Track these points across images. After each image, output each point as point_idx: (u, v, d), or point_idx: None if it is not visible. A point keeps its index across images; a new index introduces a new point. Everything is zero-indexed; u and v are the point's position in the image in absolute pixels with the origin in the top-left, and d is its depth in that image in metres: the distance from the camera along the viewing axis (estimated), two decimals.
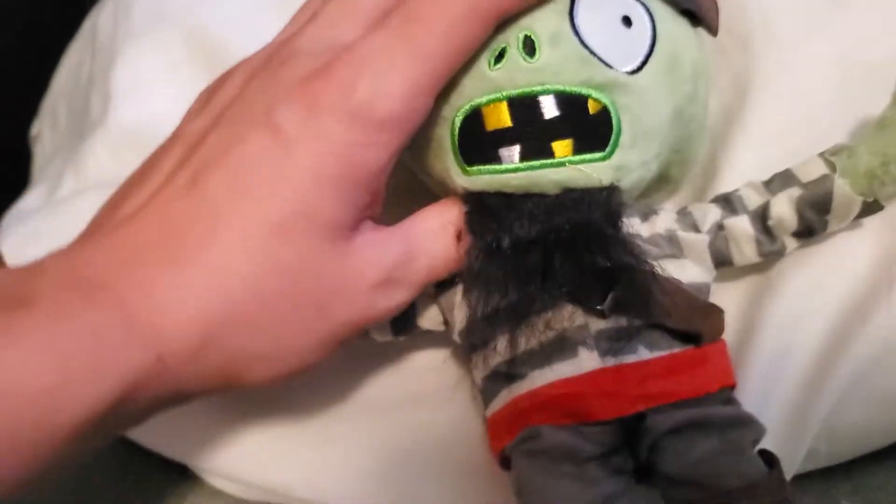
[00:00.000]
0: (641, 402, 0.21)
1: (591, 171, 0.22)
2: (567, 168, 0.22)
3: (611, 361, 0.21)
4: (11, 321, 0.17)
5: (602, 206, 0.22)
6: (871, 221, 0.25)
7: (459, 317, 0.24)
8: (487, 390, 0.24)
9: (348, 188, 0.20)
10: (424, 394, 0.28)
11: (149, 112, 0.35)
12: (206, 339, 0.19)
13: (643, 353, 0.21)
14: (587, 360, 0.21)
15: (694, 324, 0.22)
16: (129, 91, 0.36)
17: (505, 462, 0.23)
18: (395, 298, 0.22)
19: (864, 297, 0.25)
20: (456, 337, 0.24)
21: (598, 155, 0.22)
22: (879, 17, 0.28)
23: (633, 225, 0.23)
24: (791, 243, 0.24)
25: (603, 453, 0.21)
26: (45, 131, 0.43)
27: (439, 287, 0.24)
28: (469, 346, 0.24)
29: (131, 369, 0.18)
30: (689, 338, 0.22)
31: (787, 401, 0.25)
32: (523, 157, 0.22)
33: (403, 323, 0.25)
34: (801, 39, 0.28)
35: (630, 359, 0.21)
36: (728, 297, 0.26)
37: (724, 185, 0.26)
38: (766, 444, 0.23)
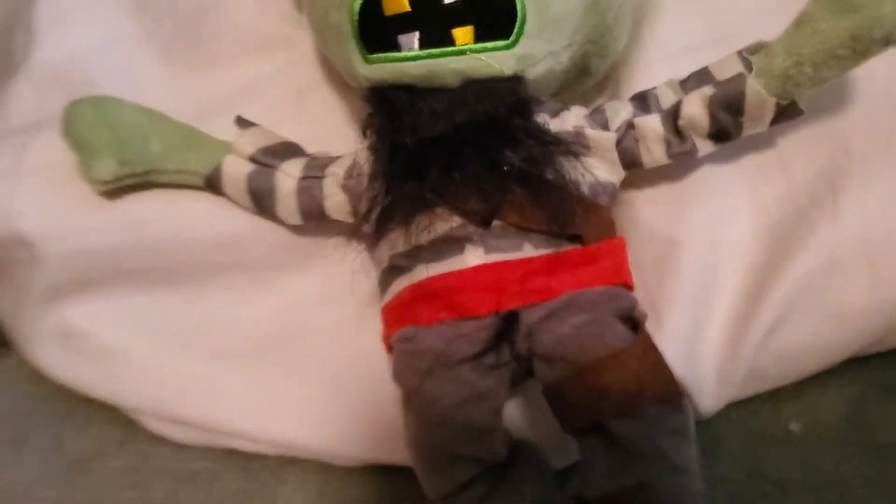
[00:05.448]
0: (519, 297, 0.21)
1: (493, 60, 0.21)
2: (468, 56, 0.21)
3: (494, 258, 0.21)
4: None
5: (506, 97, 0.21)
6: (813, 128, 0.24)
7: (364, 207, 0.23)
8: (383, 282, 0.24)
9: None
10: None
11: (73, 49, 0.31)
12: None
13: (528, 251, 0.21)
14: (472, 256, 0.21)
15: (570, 227, 0.22)
16: (52, 28, 0.32)
17: (392, 349, 0.23)
18: None
19: (807, 207, 0.24)
20: (365, 228, 0.24)
21: (501, 43, 0.21)
22: None
23: (542, 121, 0.23)
24: (706, 146, 0.23)
25: (476, 353, 0.21)
26: None
27: (348, 175, 0.24)
28: (371, 237, 0.24)
29: None
30: (578, 237, 0.22)
31: (722, 317, 0.24)
32: (423, 45, 0.21)
33: (311, 207, 0.25)
34: None
35: (514, 256, 0.21)
36: (649, 208, 0.25)
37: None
38: (703, 361, 0.23)
